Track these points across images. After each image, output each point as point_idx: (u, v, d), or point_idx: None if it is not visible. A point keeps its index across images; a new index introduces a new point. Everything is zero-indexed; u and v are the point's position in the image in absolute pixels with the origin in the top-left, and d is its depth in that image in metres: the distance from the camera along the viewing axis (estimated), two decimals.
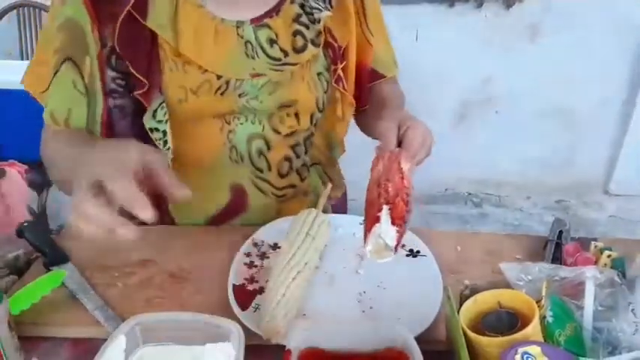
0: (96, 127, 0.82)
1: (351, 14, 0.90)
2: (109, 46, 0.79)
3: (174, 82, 0.80)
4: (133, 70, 0.78)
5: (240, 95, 0.84)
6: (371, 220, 0.62)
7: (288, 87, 0.86)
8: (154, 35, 0.79)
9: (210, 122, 0.85)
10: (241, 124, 0.86)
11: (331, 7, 0.88)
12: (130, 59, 0.78)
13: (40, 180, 2.00)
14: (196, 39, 0.79)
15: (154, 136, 0.81)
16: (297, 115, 0.89)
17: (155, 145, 0.81)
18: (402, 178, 0.62)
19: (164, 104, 0.80)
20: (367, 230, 0.63)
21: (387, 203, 0.61)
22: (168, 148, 0.82)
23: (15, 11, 2.44)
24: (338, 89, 0.90)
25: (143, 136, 0.80)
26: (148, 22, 0.77)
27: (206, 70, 0.81)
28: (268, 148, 0.89)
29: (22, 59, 2.46)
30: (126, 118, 0.83)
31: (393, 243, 0.61)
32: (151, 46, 0.79)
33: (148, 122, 0.81)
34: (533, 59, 2.51)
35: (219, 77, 0.82)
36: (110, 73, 0.80)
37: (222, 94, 0.82)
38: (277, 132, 0.88)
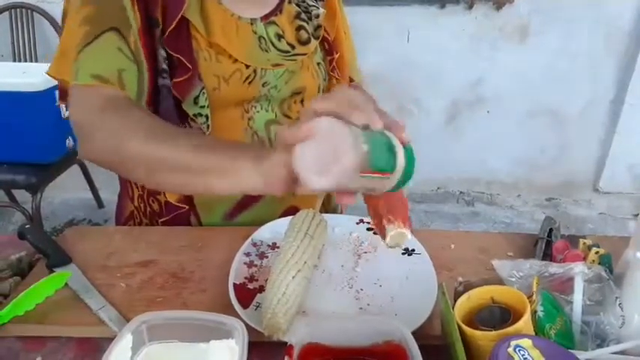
0: (142, 101, 0.82)
1: (336, 11, 1.01)
2: (160, 27, 0.82)
3: (209, 71, 0.85)
4: (180, 57, 0.81)
5: (263, 84, 0.90)
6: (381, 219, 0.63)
7: (299, 75, 0.95)
8: (187, 27, 0.83)
9: (233, 111, 0.90)
10: (258, 112, 0.92)
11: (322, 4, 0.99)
12: (177, 48, 0.82)
13: (34, 182, 1.99)
14: (223, 32, 0.86)
15: (199, 120, 0.85)
16: (302, 101, 0.96)
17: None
18: None
19: (205, 90, 0.84)
20: (382, 227, 0.62)
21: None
22: (210, 133, 0.87)
23: (7, 13, 2.43)
24: (334, 77, 1.00)
25: (183, 121, 0.85)
26: (186, 14, 0.82)
27: (236, 60, 0.87)
28: None
29: (15, 61, 2.45)
30: (169, 99, 0.85)
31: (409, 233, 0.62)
32: (187, 36, 0.84)
33: (191, 109, 0.84)
34: (523, 60, 2.54)
35: (247, 67, 0.88)
36: (162, 53, 0.83)
37: (249, 82, 0.89)
38: (288, 117, 0.95)
